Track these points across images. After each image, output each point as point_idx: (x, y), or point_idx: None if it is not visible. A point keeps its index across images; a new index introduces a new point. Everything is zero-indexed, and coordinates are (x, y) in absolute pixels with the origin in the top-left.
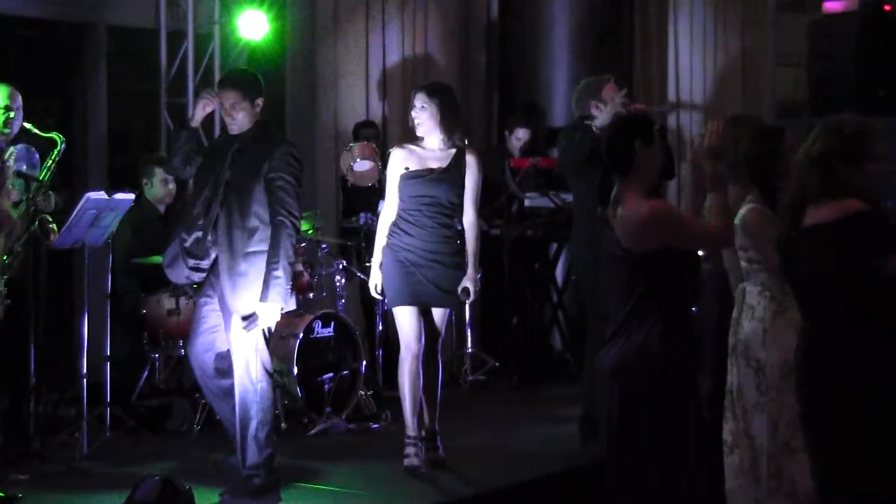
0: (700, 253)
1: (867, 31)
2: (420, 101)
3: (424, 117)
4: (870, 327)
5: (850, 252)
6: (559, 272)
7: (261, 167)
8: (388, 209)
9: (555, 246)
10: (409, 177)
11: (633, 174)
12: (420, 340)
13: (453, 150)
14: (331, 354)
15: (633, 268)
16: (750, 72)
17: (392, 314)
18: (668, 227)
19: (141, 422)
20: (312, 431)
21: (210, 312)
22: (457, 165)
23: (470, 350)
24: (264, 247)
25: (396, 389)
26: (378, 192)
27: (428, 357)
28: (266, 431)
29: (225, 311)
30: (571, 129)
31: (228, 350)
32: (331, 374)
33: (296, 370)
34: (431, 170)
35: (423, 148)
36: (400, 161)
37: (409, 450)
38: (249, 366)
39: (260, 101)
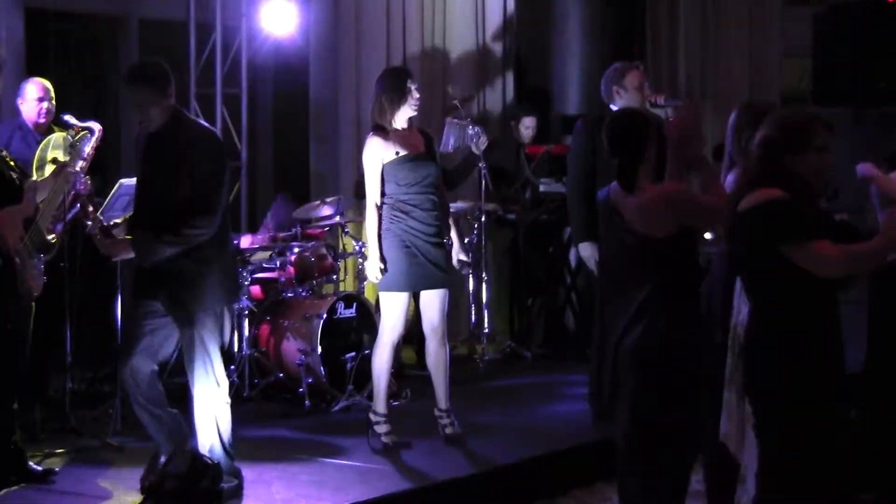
0: (708, 235)
1: (870, 23)
2: (415, 84)
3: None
4: (781, 315)
5: (754, 239)
6: (572, 255)
7: (176, 162)
8: (375, 196)
9: (568, 230)
10: (403, 160)
11: (643, 163)
12: (405, 327)
13: (415, 131)
14: (353, 334)
15: (650, 253)
16: (755, 63)
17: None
18: (685, 206)
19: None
20: (335, 408)
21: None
22: (429, 145)
23: (486, 330)
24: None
25: (417, 368)
26: None
27: (441, 339)
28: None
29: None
30: (577, 134)
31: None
32: (353, 354)
33: (319, 349)
34: (419, 152)
35: (397, 132)
36: (384, 147)
37: (385, 427)
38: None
39: (171, 91)
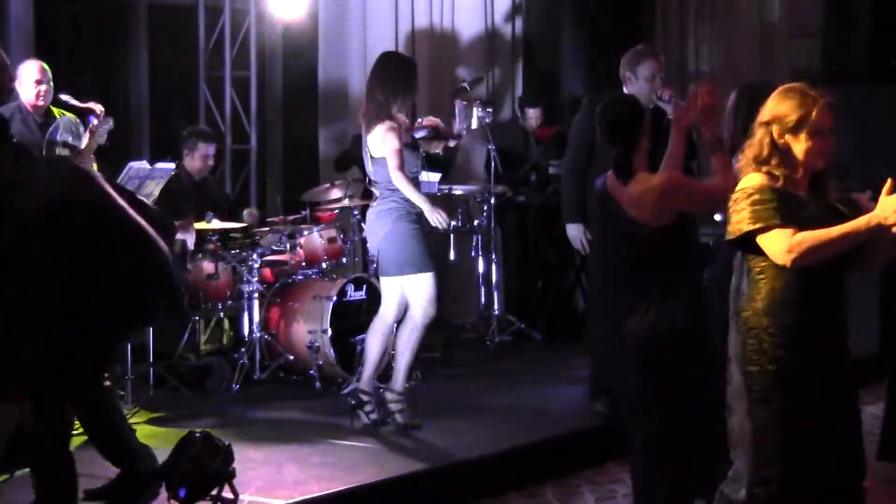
0: (717, 217)
1: (881, 3)
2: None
3: None
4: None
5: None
6: None
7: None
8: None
9: None
10: (410, 149)
11: (638, 151)
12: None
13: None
14: (363, 316)
15: (648, 242)
16: (766, 43)
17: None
18: (683, 192)
19: (182, 381)
20: (345, 390)
21: None
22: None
23: (497, 312)
24: None
25: (426, 351)
26: None
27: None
28: None
29: None
30: (581, 112)
31: None
32: (362, 336)
33: (329, 332)
34: (412, 141)
35: (397, 118)
36: (401, 135)
37: (399, 405)
38: None
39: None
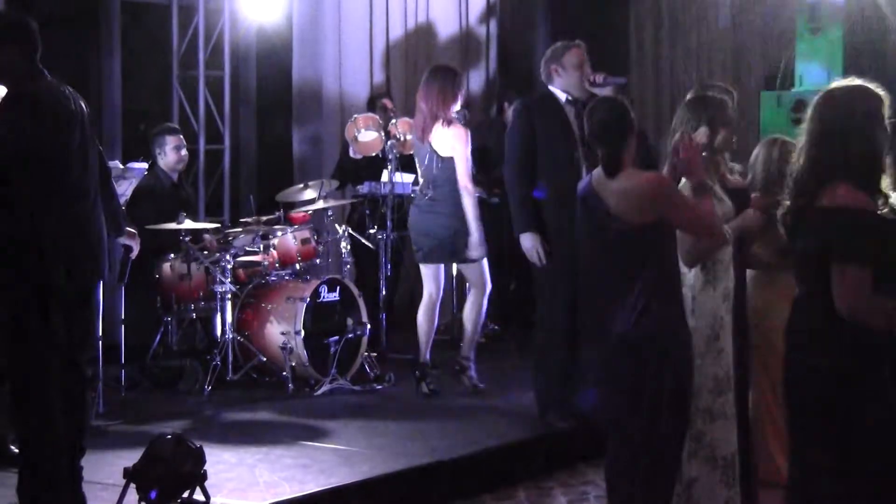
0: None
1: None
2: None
3: None
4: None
5: (833, 241)
6: None
7: None
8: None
9: None
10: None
11: (626, 150)
12: None
13: None
14: (336, 318)
15: (633, 241)
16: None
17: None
18: (669, 197)
19: (154, 382)
20: (318, 392)
21: None
22: None
23: None
24: None
25: (399, 352)
26: (382, 161)
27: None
28: None
29: None
30: (516, 117)
31: None
32: (336, 338)
33: (302, 333)
34: None
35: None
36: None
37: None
38: None
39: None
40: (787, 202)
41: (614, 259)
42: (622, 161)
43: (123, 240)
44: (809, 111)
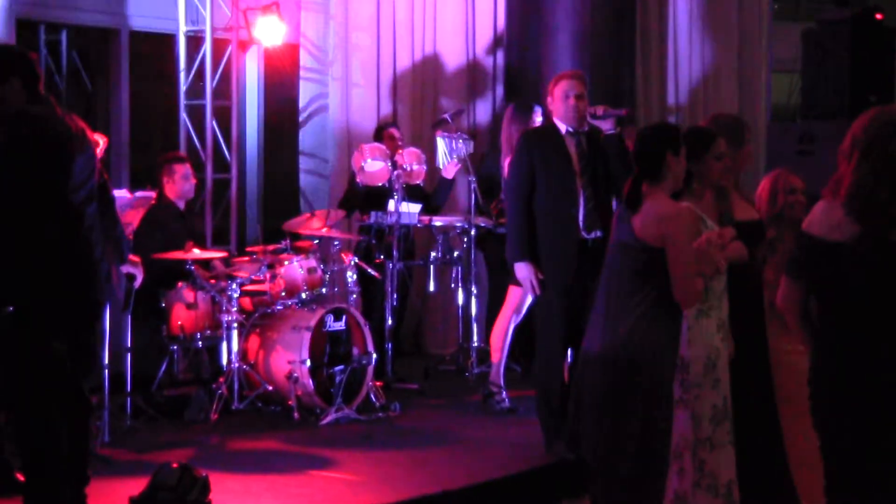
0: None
1: (859, 39)
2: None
3: None
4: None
5: None
6: None
7: None
8: None
9: None
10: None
11: (662, 180)
12: None
13: None
14: (342, 347)
15: (637, 257)
16: (744, 78)
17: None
18: (677, 233)
19: (160, 411)
20: (324, 421)
21: None
22: None
23: (476, 344)
24: None
25: (405, 381)
26: (388, 191)
27: None
28: None
29: None
30: (518, 147)
31: None
32: (342, 367)
33: (308, 362)
34: None
35: None
36: None
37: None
38: None
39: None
40: None
41: (621, 270)
42: (642, 190)
43: (126, 268)
44: None
